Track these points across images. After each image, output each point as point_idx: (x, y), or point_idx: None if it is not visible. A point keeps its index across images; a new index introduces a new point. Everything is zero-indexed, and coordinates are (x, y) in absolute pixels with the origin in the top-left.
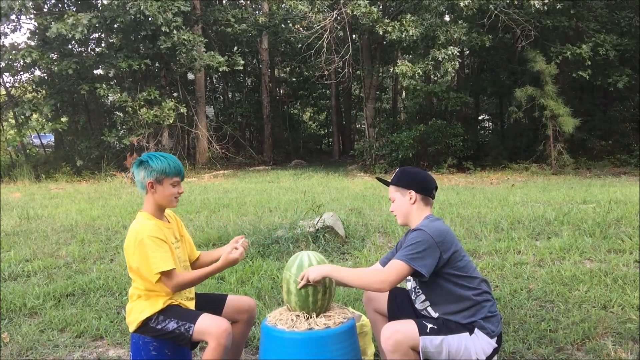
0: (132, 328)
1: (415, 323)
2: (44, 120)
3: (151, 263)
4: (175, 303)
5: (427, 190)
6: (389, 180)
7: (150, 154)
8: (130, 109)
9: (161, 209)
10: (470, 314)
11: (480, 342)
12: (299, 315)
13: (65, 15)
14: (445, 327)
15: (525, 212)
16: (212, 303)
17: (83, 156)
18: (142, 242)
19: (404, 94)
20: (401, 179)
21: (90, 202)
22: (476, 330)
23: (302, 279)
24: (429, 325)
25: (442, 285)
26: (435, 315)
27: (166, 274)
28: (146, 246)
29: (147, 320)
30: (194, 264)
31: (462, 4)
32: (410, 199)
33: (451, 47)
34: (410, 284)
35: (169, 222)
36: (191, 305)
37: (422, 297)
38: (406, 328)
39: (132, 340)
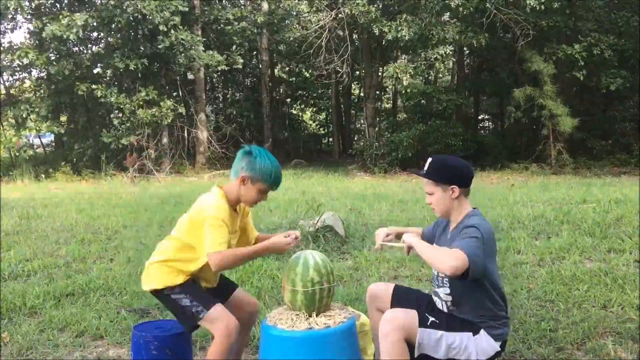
0: (146, 287)
1: (418, 314)
2: (41, 121)
3: (209, 239)
4: (197, 282)
5: (468, 182)
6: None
7: (262, 150)
8: (128, 109)
9: (237, 202)
10: (483, 320)
11: (482, 344)
12: (298, 315)
13: (61, 16)
14: (448, 323)
15: (525, 212)
16: (222, 287)
17: (82, 156)
18: (212, 220)
19: (404, 92)
20: (441, 174)
21: (90, 201)
22: (481, 332)
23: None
24: (431, 319)
25: (472, 290)
26: (451, 308)
27: (215, 253)
28: (213, 226)
29: (163, 288)
30: None
31: (452, 3)
32: (453, 193)
33: (444, 46)
34: (436, 272)
35: (236, 212)
36: (205, 283)
37: (447, 289)
38: (406, 316)
39: (133, 339)
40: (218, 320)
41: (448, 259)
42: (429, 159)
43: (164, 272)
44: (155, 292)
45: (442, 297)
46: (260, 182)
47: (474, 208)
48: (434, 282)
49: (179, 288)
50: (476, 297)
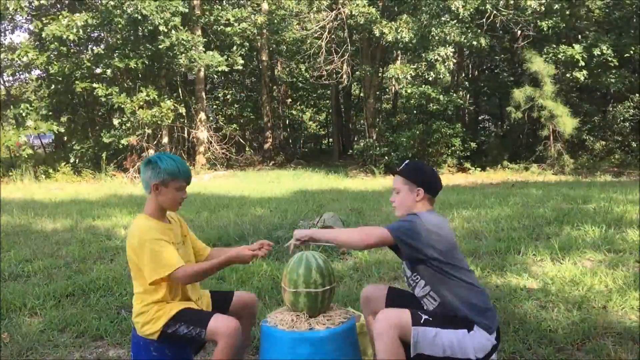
0: (155, 336)
1: (410, 313)
2: (41, 121)
3: (158, 264)
4: (184, 307)
5: (434, 191)
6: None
7: (160, 155)
8: (128, 109)
9: (163, 211)
10: (469, 300)
11: (479, 339)
12: (299, 315)
13: (61, 16)
14: (441, 320)
15: (525, 212)
16: (220, 299)
17: (82, 156)
18: (145, 246)
19: (404, 93)
20: (412, 174)
21: (90, 202)
22: (475, 327)
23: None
24: (424, 317)
25: (450, 285)
26: (437, 301)
27: (176, 272)
28: (150, 250)
29: (164, 328)
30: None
31: (453, 6)
32: (417, 195)
33: (444, 47)
34: (407, 273)
35: (169, 222)
36: (201, 304)
37: (422, 282)
38: (398, 315)
39: (133, 340)
40: (219, 329)
41: (355, 234)
42: (406, 162)
43: (154, 314)
44: (163, 339)
45: (423, 292)
46: (172, 181)
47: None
48: (408, 284)
49: (171, 321)
50: (457, 292)
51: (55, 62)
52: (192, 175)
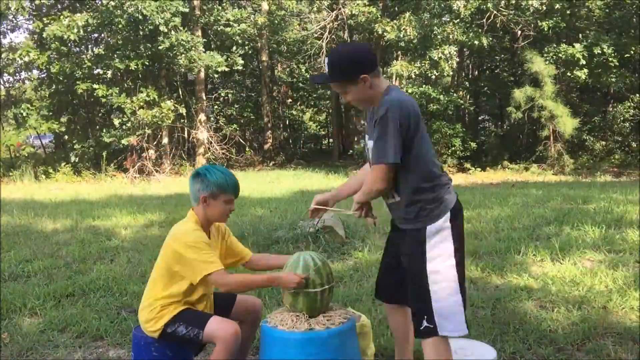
0: (156, 335)
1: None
2: (42, 121)
3: (203, 262)
4: (186, 307)
5: (374, 64)
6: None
7: (209, 167)
8: (128, 109)
9: (209, 223)
10: (423, 207)
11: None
12: (299, 316)
13: (61, 16)
14: (411, 264)
15: (525, 213)
16: (222, 302)
17: (82, 156)
18: (192, 246)
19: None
20: (345, 70)
21: (90, 202)
22: (431, 226)
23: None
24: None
25: (406, 175)
26: (398, 199)
27: (217, 273)
28: (201, 249)
29: (165, 327)
30: (246, 265)
31: (455, 5)
32: (365, 82)
33: (447, 46)
34: (369, 162)
35: (210, 237)
36: (201, 306)
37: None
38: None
39: (134, 340)
40: (216, 332)
41: (369, 188)
42: (326, 60)
43: (153, 315)
44: (164, 338)
45: (393, 201)
46: (221, 194)
47: (389, 86)
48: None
49: (172, 320)
50: (409, 180)
51: (56, 62)
52: (240, 188)
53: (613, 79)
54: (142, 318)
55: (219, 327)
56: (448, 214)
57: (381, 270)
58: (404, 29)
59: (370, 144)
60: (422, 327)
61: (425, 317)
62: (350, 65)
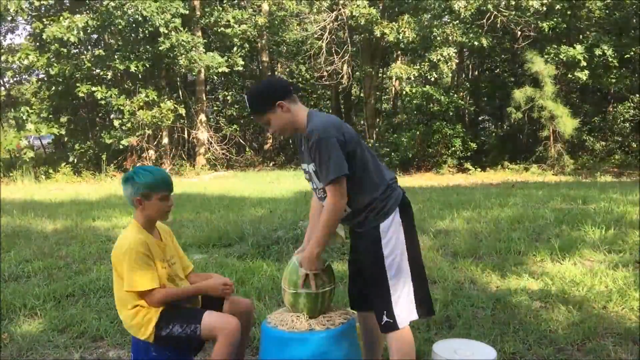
0: (151, 339)
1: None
2: (41, 122)
3: (132, 279)
4: (172, 305)
5: (288, 91)
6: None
7: (137, 169)
8: (128, 110)
9: (152, 222)
10: (372, 209)
11: (389, 224)
12: (299, 316)
13: (61, 18)
14: (365, 257)
15: (525, 213)
16: (212, 302)
17: (82, 157)
18: (128, 256)
19: (405, 93)
20: (262, 101)
21: (90, 202)
22: (384, 222)
23: (304, 278)
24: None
25: (351, 184)
26: (349, 210)
27: (146, 293)
28: (133, 261)
29: (155, 328)
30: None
31: (456, 6)
32: (282, 108)
33: (447, 48)
34: (312, 185)
35: (161, 239)
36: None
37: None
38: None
39: (133, 340)
40: (216, 325)
41: (330, 215)
42: (245, 97)
43: (139, 321)
44: (157, 341)
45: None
46: (153, 194)
47: (310, 111)
48: (319, 196)
49: (162, 322)
50: (356, 189)
51: (55, 64)
52: (172, 182)
53: (613, 80)
54: (134, 330)
55: (218, 321)
56: (397, 209)
57: (349, 280)
58: (402, 31)
59: (310, 167)
60: (382, 322)
61: (385, 312)
62: (266, 95)
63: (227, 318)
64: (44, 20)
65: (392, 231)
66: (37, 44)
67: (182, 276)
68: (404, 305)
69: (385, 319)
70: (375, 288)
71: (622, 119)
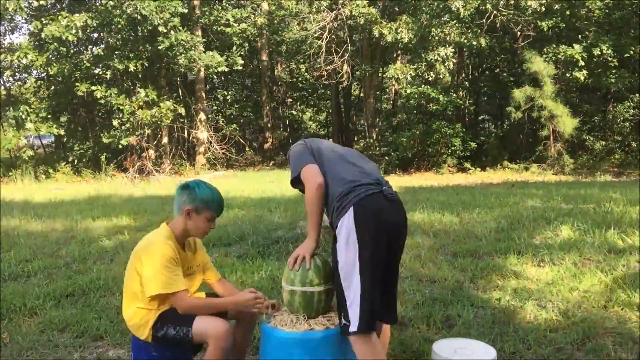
0: (150, 339)
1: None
2: (41, 122)
3: (161, 281)
4: (170, 307)
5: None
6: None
7: (199, 181)
8: (127, 110)
9: (186, 236)
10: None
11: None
12: (299, 316)
13: (60, 17)
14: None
15: (525, 213)
16: None
17: (81, 156)
18: (155, 259)
19: (403, 94)
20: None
21: (90, 202)
22: (342, 219)
23: (295, 261)
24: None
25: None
26: (327, 218)
27: (178, 294)
28: (160, 265)
29: (152, 329)
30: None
31: (453, 6)
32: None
33: (444, 48)
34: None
35: (184, 250)
36: None
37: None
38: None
39: (133, 340)
40: (206, 330)
41: (310, 194)
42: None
43: (139, 322)
44: (154, 341)
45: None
46: (205, 211)
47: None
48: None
49: (159, 323)
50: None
51: (54, 63)
52: (224, 208)
53: (612, 80)
54: (134, 329)
55: (208, 326)
56: (351, 210)
57: None
58: (400, 31)
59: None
60: (341, 324)
61: (342, 314)
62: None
63: (218, 322)
64: (43, 19)
65: (344, 234)
66: (36, 43)
67: (196, 289)
68: (356, 311)
69: (343, 320)
70: (335, 287)
71: (621, 118)
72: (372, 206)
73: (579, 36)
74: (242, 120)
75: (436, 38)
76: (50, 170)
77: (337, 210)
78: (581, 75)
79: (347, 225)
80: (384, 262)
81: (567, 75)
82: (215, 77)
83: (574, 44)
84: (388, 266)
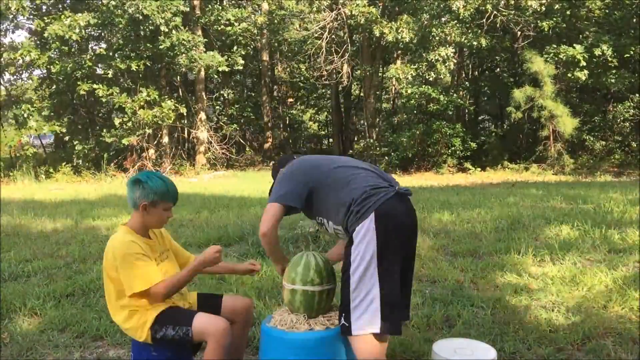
0: (148, 340)
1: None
2: (42, 121)
3: (133, 282)
4: (169, 305)
5: (284, 161)
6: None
7: (149, 173)
8: (129, 109)
9: (146, 230)
10: (346, 215)
11: (363, 232)
12: (299, 316)
13: (62, 16)
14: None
15: (525, 212)
16: (210, 303)
17: (82, 156)
18: (126, 259)
19: (404, 93)
20: (274, 172)
21: (91, 202)
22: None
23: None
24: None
25: (324, 199)
26: (337, 226)
27: (149, 291)
28: (131, 263)
29: (151, 330)
30: None
31: (454, 6)
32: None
33: (444, 48)
34: (328, 232)
35: (150, 237)
36: (179, 304)
37: (323, 219)
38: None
39: (133, 340)
40: (206, 328)
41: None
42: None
43: (136, 324)
44: (153, 342)
45: (331, 229)
46: (161, 203)
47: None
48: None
49: (156, 325)
50: (329, 200)
51: (56, 62)
52: (178, 196)
53: (613, 80)
54: (129, 332)
55: (208, 324)
56: (372, 215)
57: None
58: (400, 31)
59: (322, 220)
60: (340, 324)
61: (343, 314)
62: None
63: (217, 320)
64: (45, 18)
65: (362, 238)
66: (39, 42)
67: (176, 270)
68: (362, 314)
69: (342, 321)
70: (341, 288)
71: (621, 118)
72: (392, 211)
73: (580, 36)
74: (242, 120)
75: (437, 38)
76: (51, 170)
77: (357, 214)
78: (582, 74)
79: (367, 228)
80: (401, 263)
81: (568, 75)
82: (215, 77)
83: (575, 44)
84: (403, 267)
